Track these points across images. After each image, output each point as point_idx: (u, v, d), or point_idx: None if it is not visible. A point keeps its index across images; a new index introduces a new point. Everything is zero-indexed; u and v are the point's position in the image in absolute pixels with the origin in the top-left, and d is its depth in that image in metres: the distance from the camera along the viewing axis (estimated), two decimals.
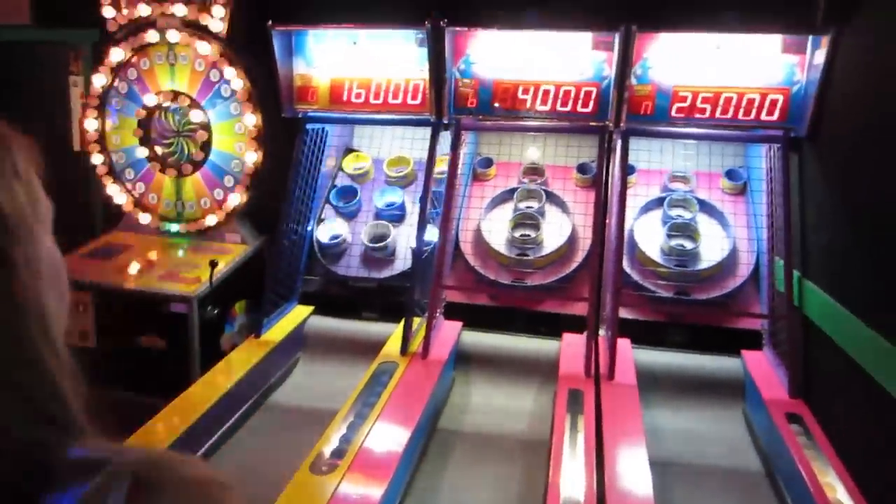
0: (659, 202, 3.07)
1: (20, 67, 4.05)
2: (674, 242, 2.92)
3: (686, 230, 2.96)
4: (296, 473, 1.80)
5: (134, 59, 3.29)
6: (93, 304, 3.01)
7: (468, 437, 2.37)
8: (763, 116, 2.65)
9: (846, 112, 2.34)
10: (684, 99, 2.68)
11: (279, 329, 2.77)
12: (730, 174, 3.10)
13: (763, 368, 2.56)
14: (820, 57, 2.44)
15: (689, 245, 2.92)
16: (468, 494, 2.06)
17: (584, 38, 2.65)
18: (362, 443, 1.95)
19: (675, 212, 3.03)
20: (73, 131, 3.80)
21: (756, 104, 2.65)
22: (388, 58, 2.83)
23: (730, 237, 2.93)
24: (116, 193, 3.45)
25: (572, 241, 3.00)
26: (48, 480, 0.54)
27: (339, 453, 1.93)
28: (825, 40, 2.40)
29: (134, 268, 3.10)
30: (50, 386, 0.58)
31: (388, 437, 2.02)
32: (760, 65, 2.60)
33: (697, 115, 2.70)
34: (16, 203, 0.59)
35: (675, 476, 2.15)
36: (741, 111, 2.66)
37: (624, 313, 2.83)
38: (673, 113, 2.70)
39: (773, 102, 2.64)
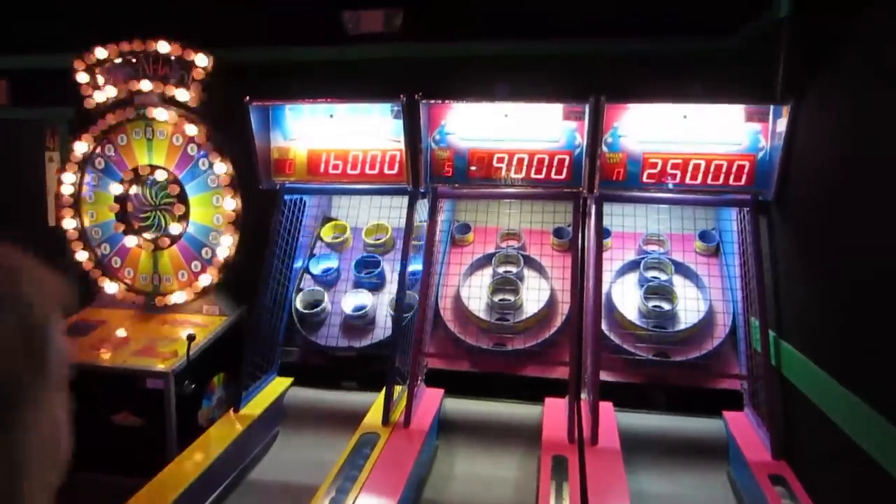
0: (635, 265, 3.13)
1: None
2: (651, 304, 2.95)
3: (663, 292, 3.01)
4: None
5: (111, 136, 3.32)
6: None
7: None
8: (731, 181, 2.73)
9: (808, 176, 2.43)
10: (654, 165, 2.77)
11: (258, 402, 2.72)
12: (703, 236, 3.18)
13: (745, 429, 2.56)
14: (782, 125, 2.55)
15: (666, 306, 2.96)
16: None
17: (556, 109, 2.74)
18: None
19: (651, 273, 3.08)
20: (49, 206, 3.80)
21: (724, 170, 2.74)
22: (365, 130, 2.89)
23: (706, 298, 2.98)
24: (91, 269, 3.43)
25: (551, 304, 3.03)
26: None
27: None
28: (785, 110, 2.51)
29: (109, 344, 3.05)
30: None
31: None
32: (726, 133, 2.70)
33: (667, 181, 2.78)
34: (12, 368, 0.57)
35: None
36: (710, 176, 2.74)
37: (605, 376, 2.84)
38: (644, 179, 2.77)
39: (741, 168, 2.73)
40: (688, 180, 2.75)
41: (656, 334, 2.89)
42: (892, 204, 1.71)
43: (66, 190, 3.39)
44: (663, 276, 3.06)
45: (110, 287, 3.40)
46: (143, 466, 2.26)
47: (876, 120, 1.88)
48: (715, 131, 2.71)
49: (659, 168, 2.76)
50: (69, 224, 3.41)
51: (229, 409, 2.70)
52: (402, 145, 2.78)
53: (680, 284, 3.04)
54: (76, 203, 3.41)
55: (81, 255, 3.43)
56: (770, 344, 2.53)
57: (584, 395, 2.67)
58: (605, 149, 2.72)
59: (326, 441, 2.59)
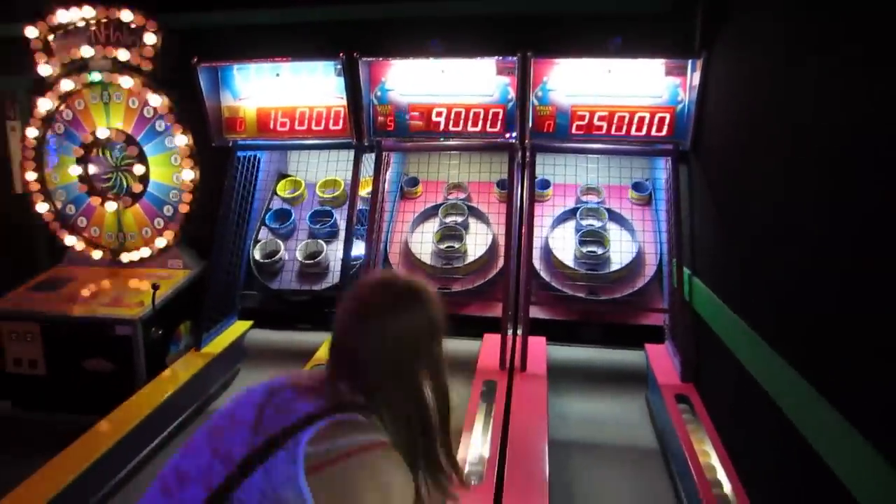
0: (572, 213, 3.36)
1: None
2: (586, 249, 3.19)
3: (596, 237, 3.24)
4: None
5: (69, 101, 3.46)
6: (41, 334, 3.13)
7: None
8: (653, 132, 2.95)
9: (718, 126, 2.64)
10: (582, 118, 2.97)
11: (219, 342, 2.95)
12: (636, 186, 3.41)
13: (662, 359, 2.82)
14: (697, 79, 2.75)
15: (599, 251, 3.20)
16: None
17: (488, 64, 2.93)
18: None
19: (587, 221, 3.31)
20: (14, 174, 3.93)
21: (647, 121, 2.95)
22: (310, 88, 3.07)
23: (636, 242, 3.22)
24: (58, 229, 3.59)
25: (493, 250, 3.26)
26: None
27: None
28: (699, 63, 2.71)
29: (79, 297, 3.24)
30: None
31: None
32: (648, 86, 2.91)
33: (595, 132, 2.98)
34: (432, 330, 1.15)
35: (575, 453, 2.38)
36: (633, 128, 2.95)
37: (541, 314, 3.09)
38: (573, 130, 2.98)
39: (662, 119, 2.94)
40: (613, 132, 2.96)
41: (589, 275, 3.13)
42: (785, 151, 1.90)
43: (29, 153, 3.51)
44: (598, 224, 3.29)
45: (78, 245, 3.58)
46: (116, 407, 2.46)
47: (772, 73, 2.06)
48: (637, 85, 2.91)
49: (587, 120, 2.97)
50: (31, 178, 3.53)
51: None
52: (345, 102, 2.96)
53: (614, 231, 3.27)
54: (39, 166, 3.55)
55: (49, 217, 3.58)
56: (685, 281, 2.77)
57: (520, 332, 2.91)
58: (535, 102, 2.92)
59: None
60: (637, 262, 3.18)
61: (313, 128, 3.08)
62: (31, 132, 3.50)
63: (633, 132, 2.97)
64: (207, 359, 2.79)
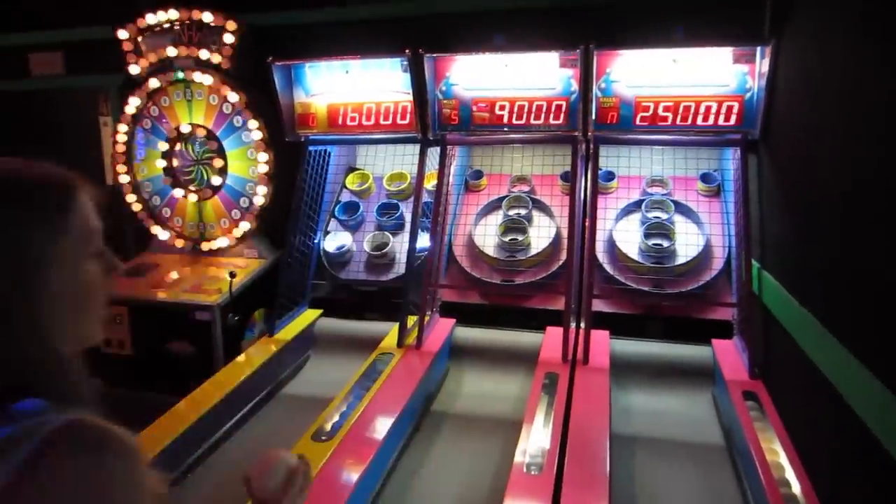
0: (638, 205, 3.33)
1: (56, 111, 4.50)
2: (651, 241, 3.16)
3: (662, 229, 3.21)
4: (298, 441, 2.09)
5: (155, 98, 3.68)
6: (128, 316, 3.36)
7: (457, 417, 2.63)
8: (721, 122, 2.89)
9: (789, 114, 2.57)
10: (647, 108, 2.95)
11: (290, 329, 3.09)
12: (704, 177, 3.34)
13: (730, 354, 2.77)
14: (766, 66, 2.69)
15: (665, 244, 3.16)
16: (451, 464, 2.32)
17: (551, 58, 2.94)
18: (357, 417, 2.24)
19: (652, 213, 3.28)
20: (106, 166, 4.21)
21: (714, 111, 2.89)
22: (378, 84, 3.16)
23: (703, 234, 3.16)
24: (146, 219, 3.83)
25: (556, 242, 3.27)
26: None
27: (337, 426, 2.21)
28: (768, 50, 2.65)
29: (163, 283, 3.46)
30: (15, 344, 0.75)
31: (380, 413, 2.30)
32: (715, 75, 2.85)
33: (660, 123, 2.95)
34: (66, 234, 0.82)
35: (638, 449, 2.38)
36: (700, 117, 2.90)
37: (605, 307, 3.09)
38: (637, 121, 2.96)
39: (730, 108, 2.88)
40: (678, 122, 2.92)
41: (655, 269, 3.10)
42: (857, 139, 1.85)
43: (120, 147, 3.77)
44: (664, 216, 3.25)
45: (162, 234, 3.80)
46: (194, 388, 2.62)
47: (842, 58, 2.01)
48: (704, 74, 2.86)
49: (651, 111, 2.94)
50: (124, 178, 3.81)
51: None
52: (411, 97, 3.04)
53: (680, 223, 3.22)
54: (129, 160, 3.80)
55: (137, 207, 3.83)
56: (754, 275, 2.72)
57: (583, 326, 2.92)
58: (598, 94, 2.91)
59: (350, 363, 2.92)
60: (704, 256, 3.12)
61: (381, 122, 3.18)
62: (121, 136, 3.74)
63: (699, 122, 2.92)
64: (280, 345, 2.93)
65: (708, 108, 2.88)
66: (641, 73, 2.90)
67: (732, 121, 2.88)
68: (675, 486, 2.23)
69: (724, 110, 2.87)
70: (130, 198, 3.82)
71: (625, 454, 2.31)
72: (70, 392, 0.77)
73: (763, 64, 2.72)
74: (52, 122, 4.53)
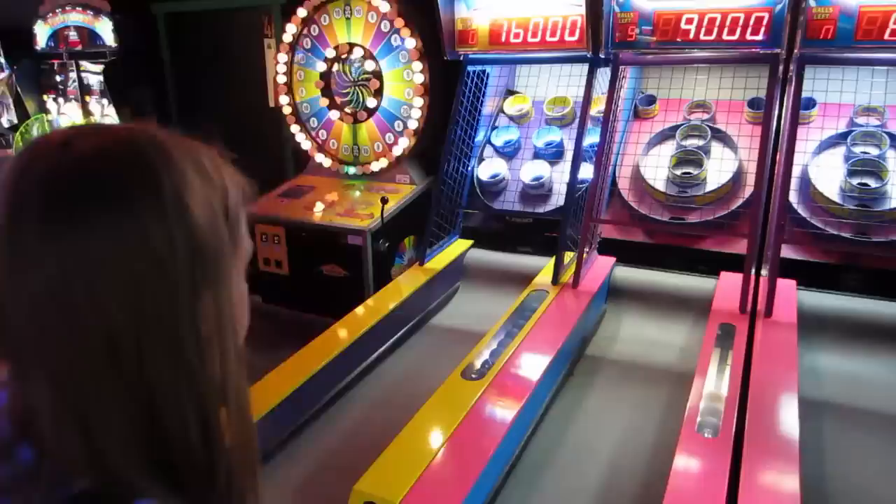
0: (842, 137, 2.84)
1: (223, 34, 4.61)
2: (856, 181, 2.70)
3: (872, 166, 2.72)
4: (447, 378, 2.00)
5: (315, 16, 3.62)
6: (285, 237, 3.44)
7: (614, 364, 2.43)
8: None
9: None
10: (874, 20, 2.43)
11: (440, 259, 2.99)
12: None
13: None
14: None
15: (873, 184, 2.69)
16: (607, 414, 2.14)
17: None
18: (509, 357, 2.10)
19: (859, 148, 2.79)
20: (269, 88, 4.28)
21: None
22: None
23: None
24: (303, 141, 3.86)
25: (737, 179, 2.89)
26: None
27: (487, 365, 2.10)
28: None
29: (318, 206, 3.48)
30: (177, 428, 0.55)
31: (533, 354, 2.15)
32: None
33: (890, 38, 2.44)
34: (218, 241, 0.58)
35: (829, 418, 2.07)
36: None
37: (793, 254, 2.70)
38: (859, 36, 2.46)
39: None
40: None
41: (857, 212, 2.65)
42: None
43: (281, 72, 3.79)
44: (874, 151, 2.76)
45: (318, 157, 3.82)
46: (345, 310, 2.61)
47: None
48: None
49: (878, 23, 2.43)
50: (284, 102, 3.83)
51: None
52: (583, 9, 2.72)
53: (895, 160, 2.72)
54: (289, 83, 3.81)
55: (295, 129, 3.86)
56: None
57: (764, 273, 2.58)
58: (812, 2, 2.44)
59: (501, 297, 2.79)
60: None
61: (547, 39, 2.89)
62: (282, 59, 3.76)
63: None
64: (430, 274, 2.85)
65: None
66: None
67: None
68: (874, 465, 1.91)
69: None
70: (290, 120, 3.84)
71: (813, 421, 2.01)
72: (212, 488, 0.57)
73: None
74: (219, 45, 4.67)
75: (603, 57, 2.81)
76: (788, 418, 1.80)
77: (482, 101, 3.26)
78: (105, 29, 4.71)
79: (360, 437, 2.05)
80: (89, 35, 4.79)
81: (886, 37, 2.43)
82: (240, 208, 0.62)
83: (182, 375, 0.54)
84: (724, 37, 2.62)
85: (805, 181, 2.78)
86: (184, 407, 0.55)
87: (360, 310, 2.56)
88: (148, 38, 4.80)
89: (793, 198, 2.74)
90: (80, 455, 0.52)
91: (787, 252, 2.65)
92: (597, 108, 3.00)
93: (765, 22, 2.56)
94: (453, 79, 3.17)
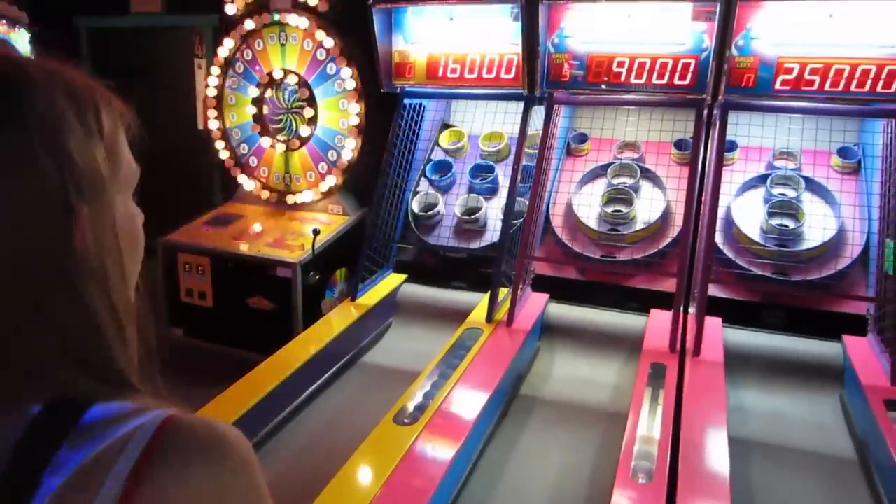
0: (762, 179, 2.97)
1: (154, 51, 4.45)
2: (775, 221, 2.81)
3: (789, 209, 2.85)
4: (379, 424, 1.93)
5: (249, 40, 3.53)
6: (210, 268, 3.30)
7: (548, 403, 2.42)
8: (879, 88, 2.49)
9: None
10: (790, 71, 2.57)
11: (373, 294, 2.93)
12: (842, 152, 2.94)
13: (865, 355, 2.44)
14: None
15: (791, 224, 2.81)
16: (541, 457, 2.12)
17: (684, 9, 2.59)
18: (443, 400, 2.05)
19: (778, 190, 2.91)
20: (198, 110, 4.14)
21: (872, 75, 2.49)
22: (484, 33, 2.89)
23: (838, 217, 2.79)
24: (232, 167, 3.74)
25: (665, 217, 2.96)
26: (62, 432, 0.53)
27: (420, 408, 2.04)
28: None
29: (245, 235, 3.36)
30: (91, 332, 0.57)
31: (468, 396, 2.11)
32: (877, 33, 2.44)
33: (805, 88, 2.57)
34: (91, 161, 0.58)
35: (756, 456, 2.11)
36: (854, 83, 2.51)
37: (718, 292, 2.78)
38: (777, 85, 2.58)
39: (892, 73, 2.47)
40: (828, 87, 2.53)
41: (777, 252, 2.76)
42: None
43: (211, 92, 3.67)
44: (791, 193, 2.89)
45: (248, 184, 3.70)
46: (272, 345, 2.50)
47: None
48: (865, 32, 2.46)
49: (795, 73, 2.56)
50: (213, 125, 3.71)
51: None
52: (520, 48, 2.75)
53: (809, 202, 2.85)
54: (219, 104, 3.69)
55: (224, 154, 3.74)
56: (888, 253, 2.36)
57: (692, 311, 2.64)
58: (734, 52, 2.55)
59: (434, 334, 2.74)
60: (838, 241, 2.75)
61: (484, 76, 2.91)
62: (213, 80, 3.63)
63: (853, 88, 2.52)
64: (362, 310, 2.78)
65: (866, 73, 2.47)
66: (789, 28, 2.52)
67: (894, 88, 2.47)
68: (801, 500, 1.96)
69: (884, 75, 2.46)
70: (219, 144, 3.72)
71: (741, 460, 2.04)
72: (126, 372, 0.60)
73: None
74: (148, 62, 4.49)
75: (538, 95, 2.85)
76: (719, 459, 1.83)
77: (418, 134, 3.24)
78: (21, 41, 4.45)
79: (286, 487, 1.94)
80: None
81: (802, 87, 2.56)
82: (117, 130, 0.64)
83: (67, 290, 0.56)
84: (654, 80, 2.71)
85: (728, 221, 2.88)
86: (74, 316, 0.57)
87: (289, 347, 2.46)
88: (69, 52, 4.57)
89: (717, 237, 2.82)
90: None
91: (713, 290, 2.73)
92: (531, 144, 3.02)
93: (691, 68, 2.66)
94: (389, 111, 3.15)
